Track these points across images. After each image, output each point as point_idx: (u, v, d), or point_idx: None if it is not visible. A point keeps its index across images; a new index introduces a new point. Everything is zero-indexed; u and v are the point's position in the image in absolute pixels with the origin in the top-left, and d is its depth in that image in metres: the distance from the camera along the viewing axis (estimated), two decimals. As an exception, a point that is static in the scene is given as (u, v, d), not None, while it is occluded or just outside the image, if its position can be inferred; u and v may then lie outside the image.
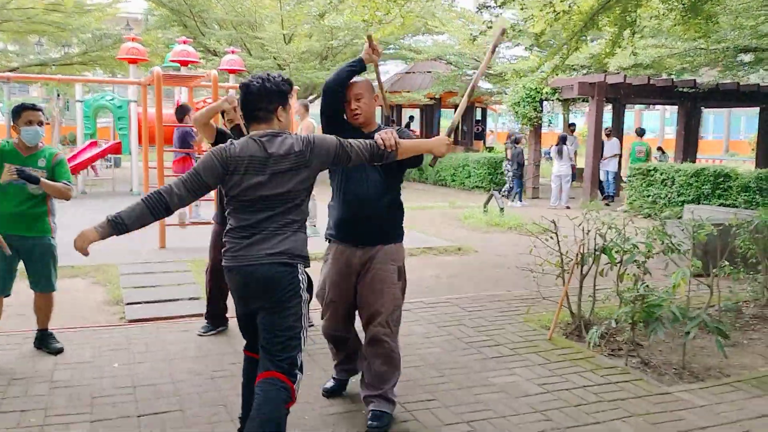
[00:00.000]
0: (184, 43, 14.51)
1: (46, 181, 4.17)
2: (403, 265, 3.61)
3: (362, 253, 3.52)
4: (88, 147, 14.25)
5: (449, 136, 3.37)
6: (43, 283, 4.39)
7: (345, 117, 3.57)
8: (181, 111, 8.91)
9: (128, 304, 5.59)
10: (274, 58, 18.09)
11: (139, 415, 3.51)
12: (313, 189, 3.04)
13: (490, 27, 7.60)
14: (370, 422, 3.41)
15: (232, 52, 15.61)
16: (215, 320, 4.98)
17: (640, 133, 15.46)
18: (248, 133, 2.97)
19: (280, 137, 2.91)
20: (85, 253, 2.82)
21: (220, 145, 2.93)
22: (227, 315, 5.04)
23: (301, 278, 2.93)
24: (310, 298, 3.03)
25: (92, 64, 19.71)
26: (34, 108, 4.20)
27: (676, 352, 4.56)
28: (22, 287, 4.53)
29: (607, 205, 13.11)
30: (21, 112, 4.14)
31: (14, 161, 4.11)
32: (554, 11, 6.91)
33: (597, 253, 4.89)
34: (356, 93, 3.48)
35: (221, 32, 18.03)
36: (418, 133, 25.99)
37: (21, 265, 4.36)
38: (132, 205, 2.83)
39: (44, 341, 4.47)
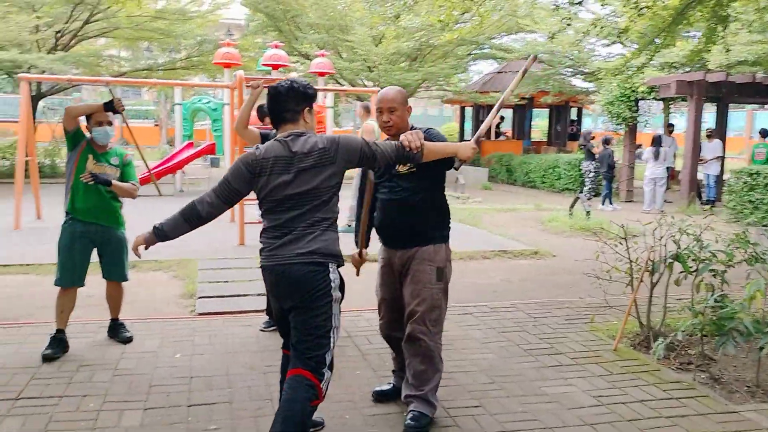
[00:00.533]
0: (276, 47, 14.96)
1: (117, 183, 4.42)
2: (445, 266, 3.57)
3: (401, 254, 3.54)
4: (185, 148, 14.93)
5: (477, 142, 3.31)
6: (116, 272, 4.64)
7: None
8: (261, 112, 9.14)
9: (200, 297, 5.81)
10: (364, 60, 18.31)
11: (189, 404, 3.64)
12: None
13: (569, 24, 7.37)
14: (407, 422, 3.40)
15: (322, 55, 15.94)
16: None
17: (764, 134, 14.35)
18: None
19: (304, 136, 2.98)
20: (137, 254, 3.08)
21: (247, 151, 3.03)
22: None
23: (332, 277, 2.95)
24: (342, 298, 3.05)
25: (195, 69, 20.63)
26: (106, 109, 4.44)
27: (750, 369, 4.26)
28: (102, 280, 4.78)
29: (706, 210, 12.41)
30: (91, 114, 4.40)
31: (93, 155, 4.39)
32: (637, 6, 6.60)
33: (669, 261, 4.63)
34: (389, 106, 3.47)
35: (313, 36, 18.41)
36: (509, 133, 25.62)
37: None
38: (173, 214, 2.99)
39: (115, 330, 4.72)
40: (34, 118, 18.76)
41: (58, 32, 17.26)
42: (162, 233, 2.97)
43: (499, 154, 20.68)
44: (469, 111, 24.99)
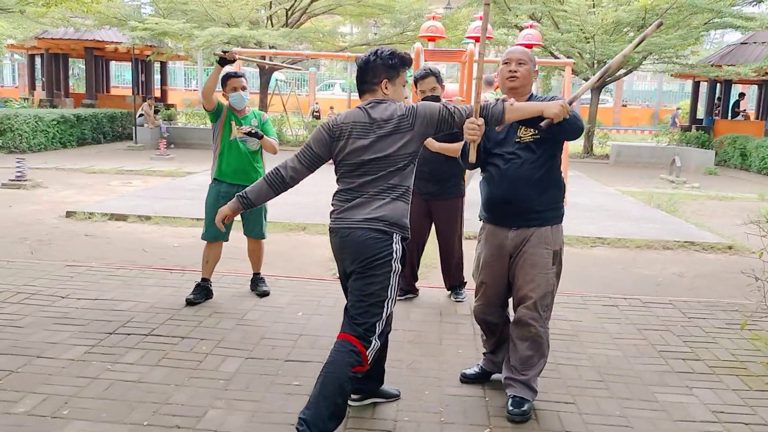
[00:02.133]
0: (480, 19, 14.76)
1: (266, 137, 4.74)
2: (560, 249, 3.35)
3: (515, 235, 3.34)
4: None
5: (570, 102, 3.01)
6: (256, 230, 5.00)
7: None
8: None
9: (347, 262, 6.04)
10: (581, 30, 17.35)
11: (286, 359, 3.84)
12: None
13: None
14: (510, 408, 3.24)
15: (531, 26, 15.39)
16: (407, 286, 5.13)
17: None
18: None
19: (384, 104, 2.99)
20: (221, 228, 3.23)
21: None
22: (416, 284, 5.17)
23: (395, 248, 2.92)
24: (402, 270, 2.99)
25: (409, 43, 21.14)
26: (236, 75, 4.76)
27: None
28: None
29: None
30: (226, 81, 4.73)
31: (235, 119, 4.75)
32: None
33: None
34: (518, 58, 3.32)
35: (526, 6, 17.83)
36: (751, 113, 22.73)
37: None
38: (258, 181, 3.14)
39: (255, 284, 5.10)
40: (266, 90, 20.75)
41: (288, 9, 18.74)
42: (247, 201, 3.12)
43: (733, 135, 18.52)
44: (704, 86, 22.62)
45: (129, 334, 4.10)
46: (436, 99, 4.70)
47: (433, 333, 4.39)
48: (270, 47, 16.84)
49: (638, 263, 6.72)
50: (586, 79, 19.93)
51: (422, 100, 4.81)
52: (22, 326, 4.17)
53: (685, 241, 7.50)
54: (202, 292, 4.82)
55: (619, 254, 7.11)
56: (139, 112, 18.37)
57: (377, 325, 2.91)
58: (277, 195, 3.16)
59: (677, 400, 3.51)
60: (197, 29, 15.29)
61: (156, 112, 19.17)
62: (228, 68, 4.81)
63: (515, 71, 3.29)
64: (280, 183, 3.09)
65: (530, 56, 3.35)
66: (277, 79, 24.00)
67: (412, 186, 3.06)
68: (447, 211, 5.03)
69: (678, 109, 29.72)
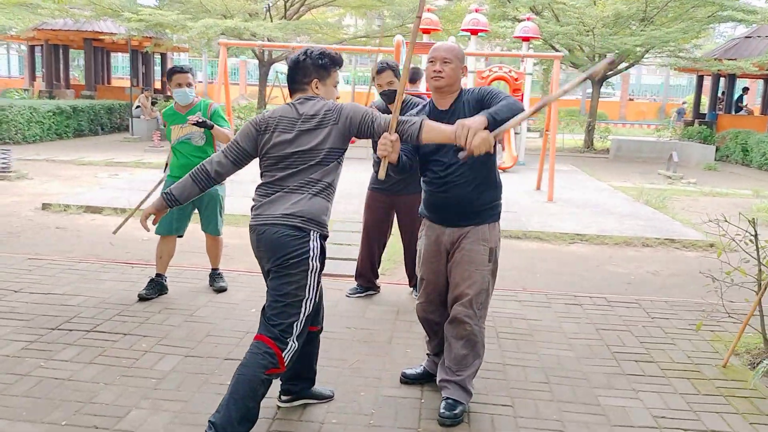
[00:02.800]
0: (477, 11, 14.61)
1: (217, 127, 4.64)
2: (496, 246, 3.26)
3: (451, 231, 3.26)
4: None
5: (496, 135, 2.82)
6: (211, 227, 4.93)
7: None
8: (414, 74, 9.03)
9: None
10: (581, 23, 17.13)
11: (225, 358, 3.77)
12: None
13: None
14: (441, 411, 3.16)
15: (528, 19, 15.23)
16: (366, 283, 5.05)
17: None
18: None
19: (313, 100, 2.94)
20: (146, 228, 3.12)
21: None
22: (377, 281, 5.09)
23: (312, 245, 2.84)
24: (321, 269, 2.91)
25: (408, 36, 21.00)
26: (182, 71, 4.67)
27: None
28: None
29: None
30: (172, 76, 4.64)
31: (177, 121, 4.66)
32: None
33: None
34: (444, 56, 3.16)
35: (525, -1, 17.65)
36: (752, 108, 22.43)
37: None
38: (184, 177, 3.07)
39: (213, 279, 5.03)
40: (265, 82, 20.67)
41: (286, 1, 18.64)
42: (171, 198, 3.04)
43: (735, 130, 18.27)
44: (709, 80, 22.32)
45: (71, 330, 4.04)
46: (394, 93, 4.60)
47: (385, 332, 4.31)
48: (268, 40, 16.74)
49: (614, 261, 6.60)
50: (587, 73, 19.81)
51: (380, 93, 4.71)
52: (-35, 321, 4.13)
53: (666, 239, 7.37)
54: (156, 287, 4.76)
55: (596, 251, 6.99)
56: (136, 103, 18.35)
57: (294, 325, 2.83)
58: (202, 191, 3.09)
59: (620, 404, 3.41)
60: (191, 20, 15.21)
61: (153, 103, 19.13)
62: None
63: (440, 71, 3.15)
64: (206, 179, 3.03)
65: (457, 53, 3.21)
66: (277, 71, 23.96)
67: (336, 184, 2.98)
68: (410, 206, 4.92)
69: (684, 103, 29.36)
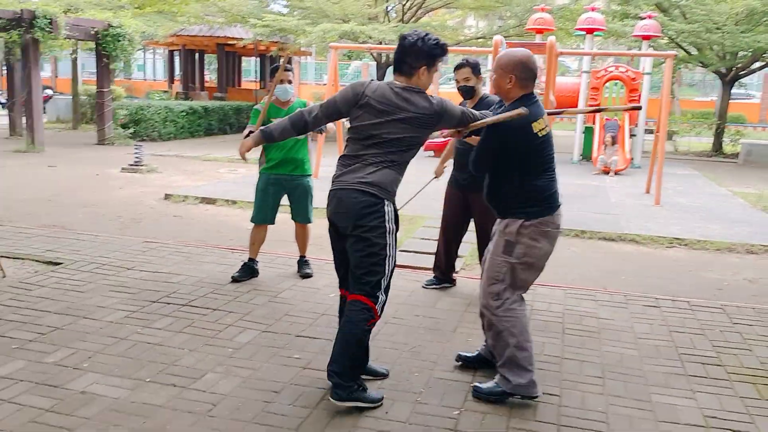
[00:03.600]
0: (593, 10, 14.29)
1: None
2: (514, 241, 3.31)
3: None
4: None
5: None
6: (301, 215, 5.30)
7: None
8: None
9: (399, 250, 6.21)
10: (711, 21, 16.23)
11: (297, 335, 4.10)
12: None
13: None
14: (473, 384, 3.42)
15: (649, 16, 14.69)
16: (442, 275, 5.23)
17: None
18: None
19: (419, 95, 3.16)
20: (244, 158, 3.65)
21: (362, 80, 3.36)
22: (453, 275, 5.25)
23: (386, 210, 3.16)
24: (396, 230, 3.23)
25: (528, 35, 20.75)
26: (285, 69, 5.01)
27: None
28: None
29: None
30: (274, 73, 4.96)
31: (276, 114, 5.05)
32: None
33: None
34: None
35: (648, -3, 16.96)
36: None
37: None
38: (283, 119, 3.44)
39: (300, 266, 5.40)
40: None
41: (404, 4, 19.05)
42: (269, 134, 3.43)
43: None
44: None
45: (168, 304, 4.53)
46: (470, 90, 4.76)
47: (451, 321, 4.48)
48: (383, 43, 17.20)
49: (711, 266, 6.37)
50: (717, 72, 18.72)
51: (457, 88, 4.87)
52: (83, 291, 4.72)
53: (775, 247, 6.98)
54: (247, 270, 5.19)
55: (694, 256, 6.76)
56: (260, 103, 19.43)
57: (381, 281, 3.16)
58: (298, 134, 3.50)
59: (672, 402, 3.39)
60: (310, 25, 15.94)
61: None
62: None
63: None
64: (303, 126, 3.39)
65: (500, 63, 3.30)
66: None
67: (410, 159, 3.26)
68: (484, 203, 5.04)
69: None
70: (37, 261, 5.46)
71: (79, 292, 4.71)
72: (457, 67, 4.84)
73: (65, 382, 3.33)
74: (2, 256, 5.26)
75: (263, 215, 5.23)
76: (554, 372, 3.71)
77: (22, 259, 5.49)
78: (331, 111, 3.32)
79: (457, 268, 5.44)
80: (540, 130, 3.24)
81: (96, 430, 2.90)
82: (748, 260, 6.65)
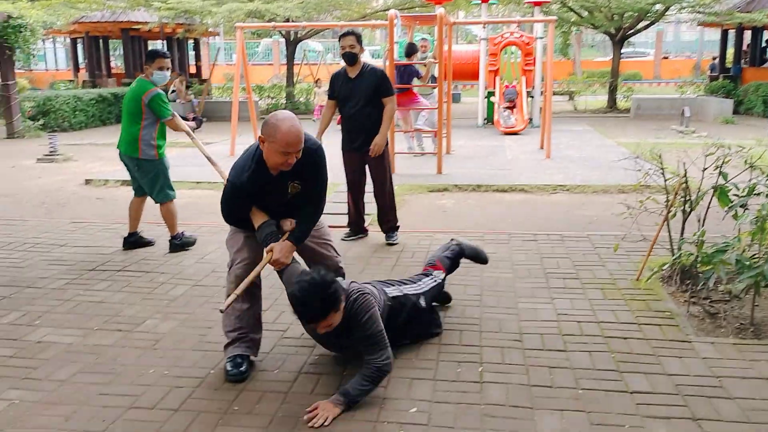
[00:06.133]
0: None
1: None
2: None
3: None
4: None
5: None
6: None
7: None
8: (410, 48, 9.79)
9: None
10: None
11: (223, 285, 4.69)
12: None
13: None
14: None
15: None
16: (356, 228, 5.94)
17: None
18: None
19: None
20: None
21: None
22: (365, 225, 5.97)
23: None
24: None
25: (431, 7, 21.48)
26: (166, 56, 5.37)
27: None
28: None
29: None
30: (155, 59, 5.33)
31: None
32: None
33: (702, 192, 4.45)
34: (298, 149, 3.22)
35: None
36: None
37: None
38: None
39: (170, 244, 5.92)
40: (292, 60, 21.57)
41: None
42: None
43: (756, 83, 18.38)
44: (732, 35, 22.29)
45: (104, 270, 5.04)
46: (354, 56, 5.41)
47: (359, 264, 5.17)
48: (290, 20, 17.56)
49: (586, 206, 7.31)
50: (607, 33, 20.08)
51: (342, 55, 5.51)
52: (22, 267, 5.16)
53: (642, 185, 7.98)
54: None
55: (573, 199, 7.70)
56: (171, 88, 19.45)
57: None
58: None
59: (534, 307, 4.21)
60: (216, 5, 16.15)
61: (188, 87, 20.23)
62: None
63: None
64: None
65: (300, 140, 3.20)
66: (305, 50, 24.80)
67: None
68: (377, 159, 5.69)
69: (715, 58, 29.14)
70: (-29, 246, 5.82)
71: (19, 267, 5.14)
72: (343, 35, 5.49)
73: (22, 335, 3.84)
74: (-63, 243, 5.60)
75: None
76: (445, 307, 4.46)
77: (-44, 245, 5.83)
78: None
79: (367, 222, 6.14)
80: None
81: (55, 367, 3.45)
82: (619, 198, 7.62)
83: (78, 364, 3.47)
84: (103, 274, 4.97)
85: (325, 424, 2.86)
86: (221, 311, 3.33)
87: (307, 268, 3.46)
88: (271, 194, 3.35)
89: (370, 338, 3.10)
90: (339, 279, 3.24)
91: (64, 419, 2.92)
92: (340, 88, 5.63)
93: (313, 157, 3.34)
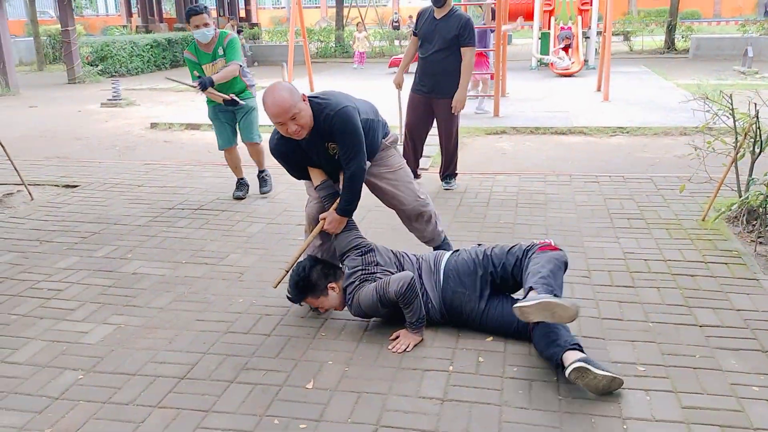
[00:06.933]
0: None
1: (214, 84, 5.16)
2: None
3: None
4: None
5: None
6: (246, 135, 5.64)
7: None
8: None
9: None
10: None
11: (297, 224, 4.91)
12: None
13: None
14: None
15: None
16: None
17: None
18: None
19: None
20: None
21: None
22: (418, 170, 6.06)
23: None
24: None
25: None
26: (197, 12, 5.16)
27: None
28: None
29: None
30: (190, 18, 5.23)
31: (203, 59, 5.36)
32: None
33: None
34: (290, 115, 3.17)
35: None
36: None
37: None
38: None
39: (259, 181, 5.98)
40: (342, 4, 21.42)
41: None
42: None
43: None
44: None
45: (183, 209, 5.31)
46: None
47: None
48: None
49: (647, 148, 7.27)
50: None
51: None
52: (107, 206, 5.47)
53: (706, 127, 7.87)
54: (243, 187, 5.78)
55: (634, 141, 7.66)
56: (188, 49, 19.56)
57: None
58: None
59: (600, 246, 4.31)
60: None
61: (239, 32, 20.33)
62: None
63: (297, 129, 3.21)
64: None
65: (292, 102, 3.14)
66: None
67: None
68: (446, 107, 5.73)
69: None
70: (55, 186, 6.15)
71: (103, 206, 5.45)
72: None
73: (116, 267, 4.14)
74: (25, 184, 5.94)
75: (223, 140, 5.62)
76: (507, 234, 4.59)
77: (41, 185, 6.17)
78: None
79: (425, 165, 6.25)
80: None
81: (152, 296, 3.72)
82: (681, 140, 7.56)
83: (172, 293, 3.74)
84: (182, 212, 5.24)
85: (408, 350, 3.06)
86: (273, 287, 3.45)
87: (359, 234, 3.49)
88: (312, 156, 3.44)
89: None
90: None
91: (168, 341, 3.19)
92: (423, 26, 5.57)
93: (332, 122, 3.24)
